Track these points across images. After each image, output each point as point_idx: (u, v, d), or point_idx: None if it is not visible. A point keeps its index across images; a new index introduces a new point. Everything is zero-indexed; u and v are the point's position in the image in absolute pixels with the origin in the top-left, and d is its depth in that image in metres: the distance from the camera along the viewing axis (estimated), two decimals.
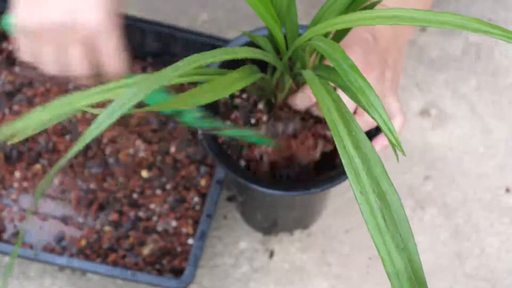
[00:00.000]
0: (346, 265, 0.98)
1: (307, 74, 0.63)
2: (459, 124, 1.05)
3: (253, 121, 0.78)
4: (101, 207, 0.96)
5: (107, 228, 0.95)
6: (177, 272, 0.92)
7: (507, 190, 1.02)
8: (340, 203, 1.01)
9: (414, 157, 1.03)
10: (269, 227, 0.97)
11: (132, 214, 0.96)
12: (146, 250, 0.94)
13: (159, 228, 0.95)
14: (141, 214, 0.96)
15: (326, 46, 0.60)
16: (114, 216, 0.96)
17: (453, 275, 0.97)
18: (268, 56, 0.67)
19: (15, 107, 1.01)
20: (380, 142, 0.75)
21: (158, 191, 0.97)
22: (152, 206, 0.96)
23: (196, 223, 0.95)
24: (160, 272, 0.92)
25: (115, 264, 0.93)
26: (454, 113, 1.06)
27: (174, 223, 0.95)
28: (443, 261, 0.98)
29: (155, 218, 0.96)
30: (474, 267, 0.98)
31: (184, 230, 0.95)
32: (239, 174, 0.77)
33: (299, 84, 0.74)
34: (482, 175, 1.03)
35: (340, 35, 0.71)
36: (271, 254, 0.98)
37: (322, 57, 0.72)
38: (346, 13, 0.66)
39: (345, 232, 0.99)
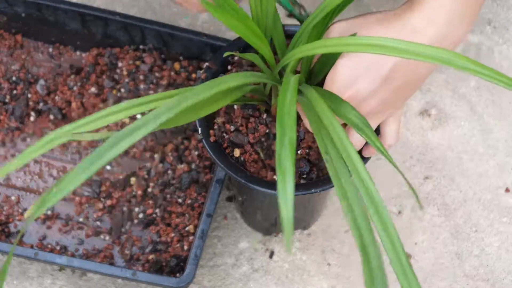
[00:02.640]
0: (346, 265, 0.98)
1: (310, 93, 0.65)
2: (459, 124, 1.05)
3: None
4: (103, 207, 0.97)
5: (107, 227, 0.96)
6: (177, 272, 0.92)
7: (507, 190, 1.02)
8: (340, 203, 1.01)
9: (414, 157, 1.03)
10: (269, 227, 0.97)
11: (132, 213, 0.96)
12: (146, 250, 0.94)
13: (159, 227, 0.95)
14: (140, 213, 0.96)
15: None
16: (114, 216, 0.96)
17: (453, 275, 0.97)
18: (262, 77, 0.69)
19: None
20: (370, 151, 0.77)
21: (159, 191, 0.97)
22: (152, 205, 0.97)
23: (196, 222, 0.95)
24: (160, 272, 0.92)
25: (115, 263, 0.93)
26: (454, 113, 1.06)
27: (174, 223, 0.95)
28: (443, 261, 0.98)
29: (155, 217, 0.96)
30: (473, 267, 0.98)
31: (184, 229, 0.95)
32: (239, 174, 0.77)
33: None
34: (482, 175, 1.03)
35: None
36: (271, 254, 0.98)
37: (308, 64, 0.73)
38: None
39: (345, 232, 0.99)
